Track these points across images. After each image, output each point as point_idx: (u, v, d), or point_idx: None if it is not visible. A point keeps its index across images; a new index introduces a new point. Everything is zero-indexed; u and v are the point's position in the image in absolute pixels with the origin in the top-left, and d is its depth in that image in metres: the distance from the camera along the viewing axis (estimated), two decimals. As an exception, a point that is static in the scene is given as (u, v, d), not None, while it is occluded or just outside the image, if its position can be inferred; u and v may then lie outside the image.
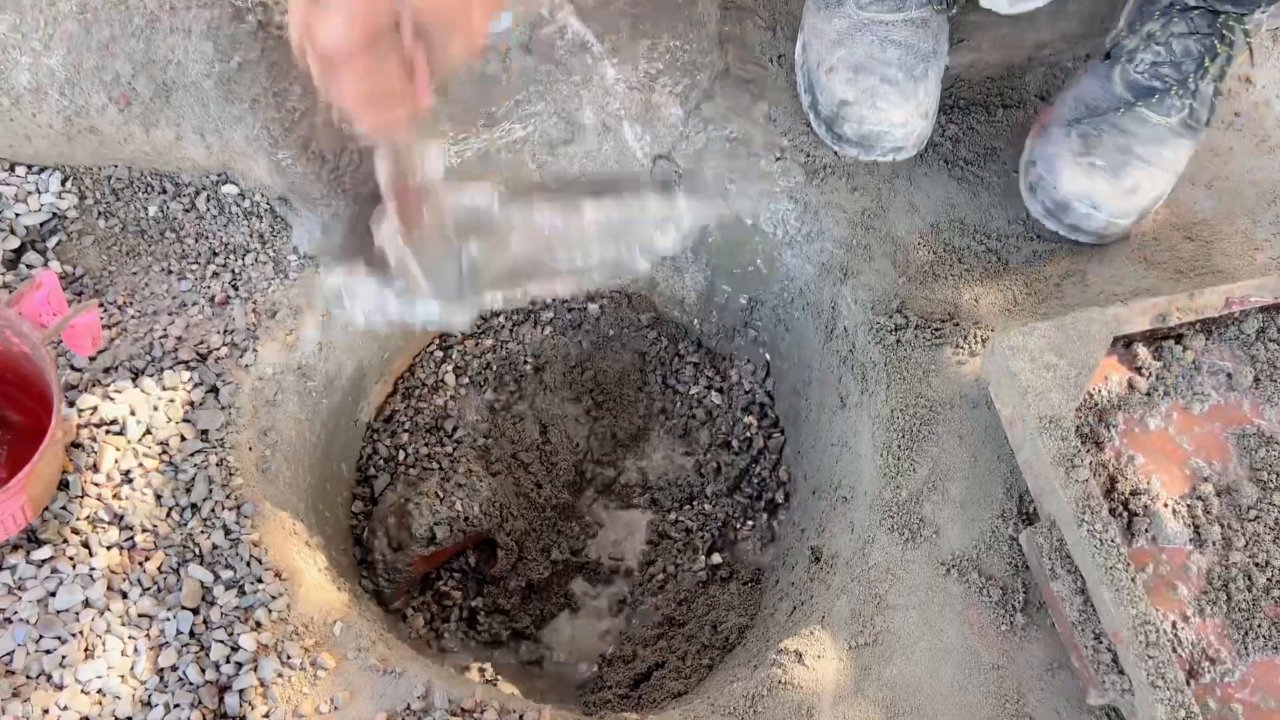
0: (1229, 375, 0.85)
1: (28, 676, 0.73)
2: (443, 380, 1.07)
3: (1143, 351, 0.85)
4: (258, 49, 0.86)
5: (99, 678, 0.74)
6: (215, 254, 0.92)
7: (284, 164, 0.89)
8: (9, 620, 0.75)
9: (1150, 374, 0.84)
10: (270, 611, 0.77)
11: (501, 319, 1.11)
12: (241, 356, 0.87)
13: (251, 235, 0.92)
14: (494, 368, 1.09)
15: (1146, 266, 0.98)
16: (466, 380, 1.08)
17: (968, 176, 1.02)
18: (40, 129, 0.88)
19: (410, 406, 1.06)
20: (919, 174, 1.01)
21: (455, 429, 1.05)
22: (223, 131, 0.88)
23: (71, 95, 0.86)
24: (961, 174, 1.02)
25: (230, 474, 0.82)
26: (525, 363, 1.09)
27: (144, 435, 0.83)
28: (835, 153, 1.00)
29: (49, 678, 0.73)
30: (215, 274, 0.91)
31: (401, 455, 1.03)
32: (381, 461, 1.03)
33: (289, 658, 0.76)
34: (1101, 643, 0.75)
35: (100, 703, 0.73)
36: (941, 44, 0.97)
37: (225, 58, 0.85)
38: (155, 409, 0.84)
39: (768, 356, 1.11)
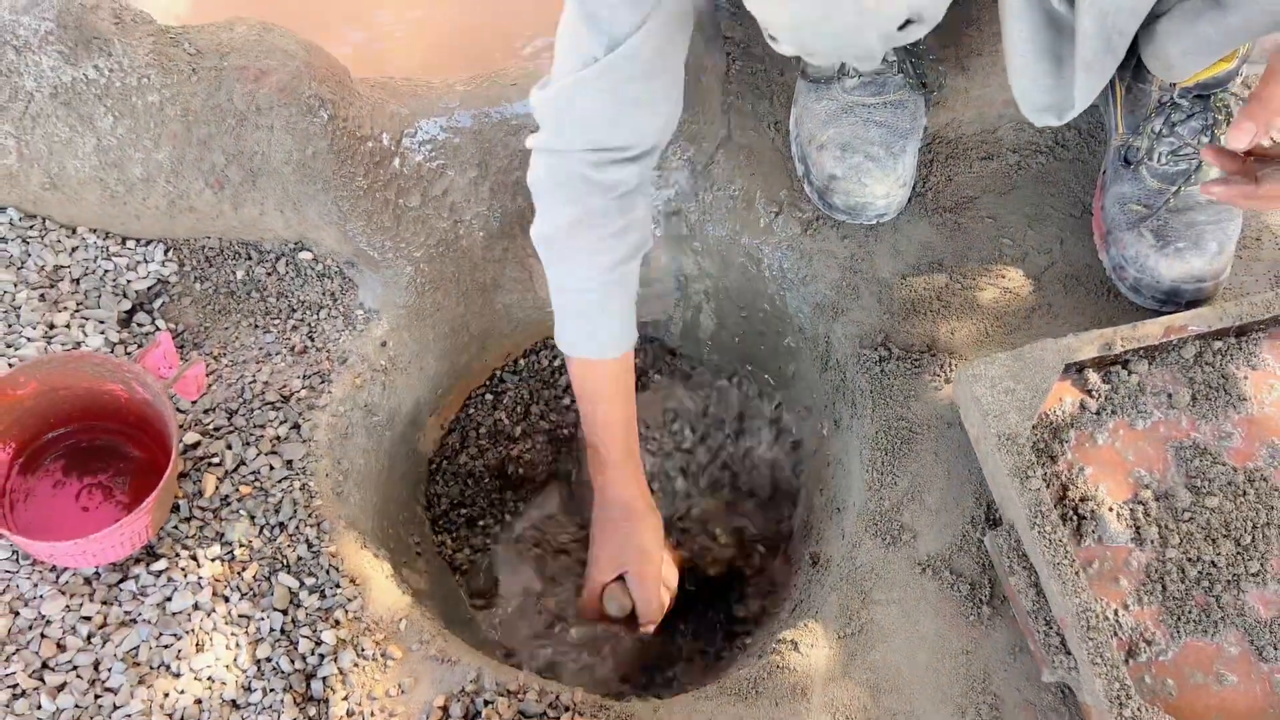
0: (1169, 395, 0.96)
1: (150, 667, 0.89)
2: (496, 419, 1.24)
3: (1093, 376, 0.97)
4: (327, 140, 1.02)
5: (208, 667, 0.89)
6: (294, 310, 1.08)
7: (350, 233, 1.05)
8: (134, 621, 0.90)
9: (1099, 395, 0.96)
10: (347, 612, 0.92)
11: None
12: (318, 397, 1.03)
13: (324, 294, 1.08)
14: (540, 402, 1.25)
15: (1109, 298, 1.10)
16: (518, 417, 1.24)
17: (946, 223, 1.14)
18: (148, 210, 1.05)
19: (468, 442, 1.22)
20: (902, 221, 1.14)
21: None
22: (299, 207, 1.04)
23: (175, 182, 1.03)
24: (941, 220, 1.15)
25: (311, 497, 0.98)
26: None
27: (238, 466, 0.99)
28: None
29: (167, 667, 0.89)
30: (294, 327, 1.07)
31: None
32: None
33: (363, 650, 0.91)
34: (1051, 628, 0.87)
35: (210, 688, 0.88)
36: (918, 119, 1.11)
37: (301, 148, 1.01)
38: (247, 444, 1.00)
39: (773, 385, 1.24)
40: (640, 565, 1.04)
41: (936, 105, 1.17)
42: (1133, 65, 1.04)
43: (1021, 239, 1.13)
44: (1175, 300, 1.04)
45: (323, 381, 1.03)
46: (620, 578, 1.04)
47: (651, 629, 1.05)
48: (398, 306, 1.07)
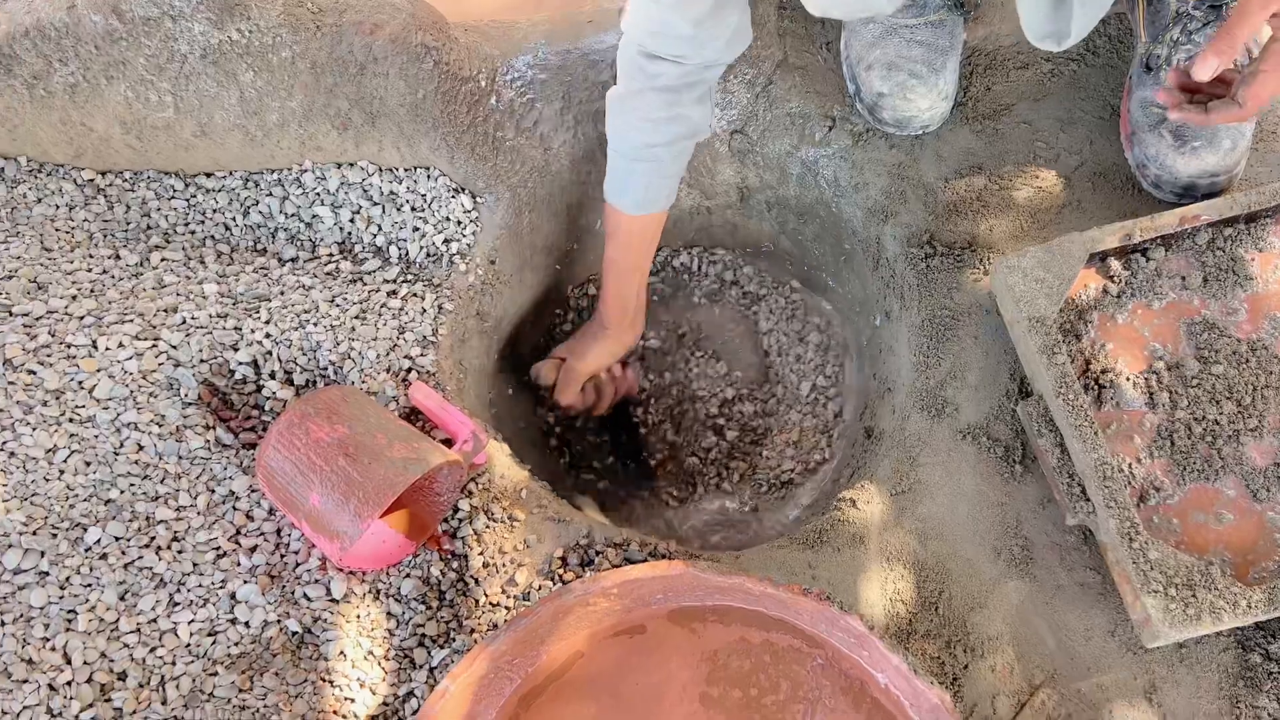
0: (1183, 278, 1.09)
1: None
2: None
3: (1115, 263, 1.10)
4: (435, 84, 1.17)
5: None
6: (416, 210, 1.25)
7: (457, 164, 1.21)
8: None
9: (1120, 280, 1.10)
10: (478, 484, 1.11)
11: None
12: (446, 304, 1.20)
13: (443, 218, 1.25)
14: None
15: (1133, 193, 1.21)
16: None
17: (985, 129, 1.26)
18: (281, 150, 1.22)
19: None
20: (945, 129, 1.27)
21: None
22: (413, 143, 1.20)
23: (306, 125, 1.19)
24: (980, 127, 1.27)
25: (441, 390, 1.16)
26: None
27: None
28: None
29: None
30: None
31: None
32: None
33: (493, 514, 1.10)
34: (1074, 480, 1.02)
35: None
36: (957, 37, 1.22)
37: (413, 91, 1.16)
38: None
39: (832, 283, 1.39)
40: (573, 359, 1.29)
41: (974, 21, 1.28)
42: (1153, -23, 1.14)
43: (1054, 141, 1.24)
44: (1192, 194, 1.15)
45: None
46: (560, 363, 1.30)
47: (564, 412, 1.35)
48: (500, 227, 1.23)
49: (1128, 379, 1.05)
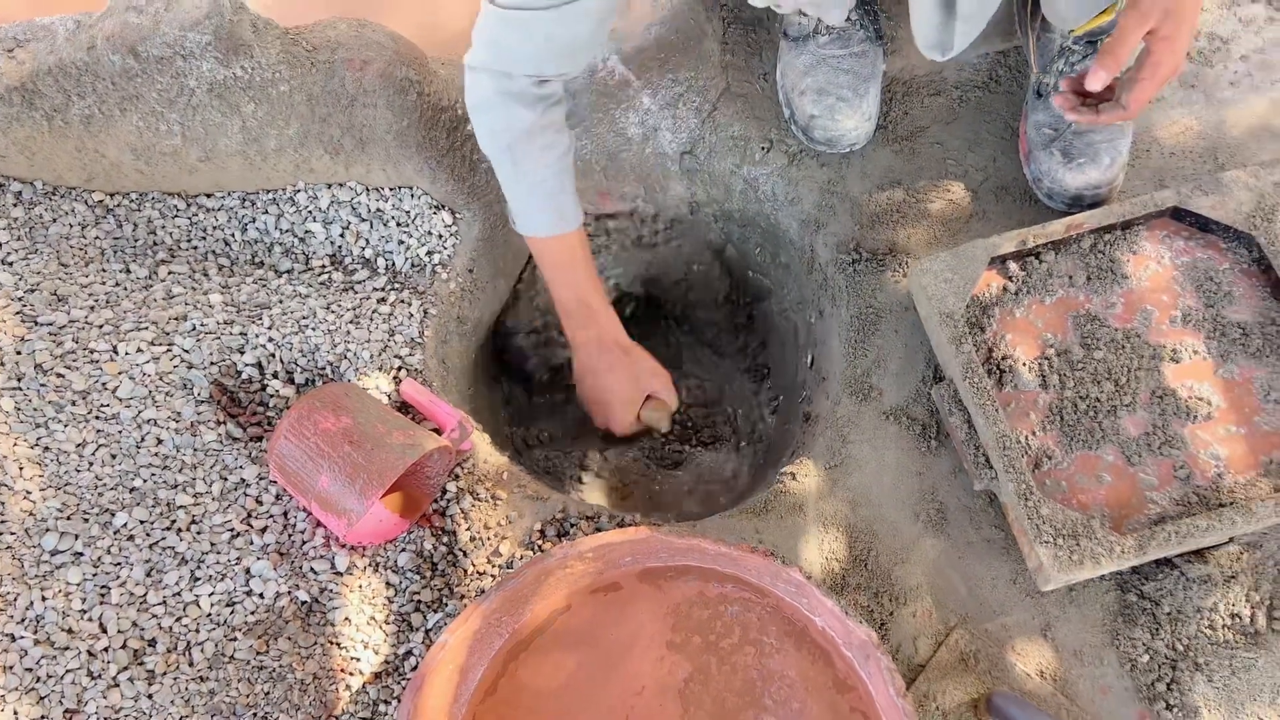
0: (1070, 277, 1.27)
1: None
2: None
3: (1013, 265, 1.28)
4: (418, 113, 1.31)
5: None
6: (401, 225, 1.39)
7: (438, 183, 1.35)
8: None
9: (1017, 280, 1.27)
10: (464, 468, 1.25)
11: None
12: (430, 308, 1.34)
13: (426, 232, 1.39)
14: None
15: (1031, 204, 1.39)
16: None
17: (903, 149, 1.44)
18: (278, 173, 1.35)
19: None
20: (869, 150, 1.44)
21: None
22: (398, 166, 1.34)
23: (301, 151, 1.32)
24: (899, 147, 1.44)
25: (428, 385, 1.30)
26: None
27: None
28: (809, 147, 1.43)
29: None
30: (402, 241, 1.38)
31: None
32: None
33: (478, 494, 1.24)
34: (979, 452, 1.19)
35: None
36: (878, 66, 1.39)
37: (399, 120, 1.31)
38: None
39: (771, 286, 1.55)
40: (660, 382, 1.38)
41: (892, 53, 1.46)
42: (1040, 18, 1.33)
43: (963, 159, 1.42)
44: (1079, 204, 1.34)
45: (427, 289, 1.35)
46: (649, 398, 1.39)
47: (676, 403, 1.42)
48: (477, 239, 1.38)
49: (1024, 364, 1.22)
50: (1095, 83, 1.08)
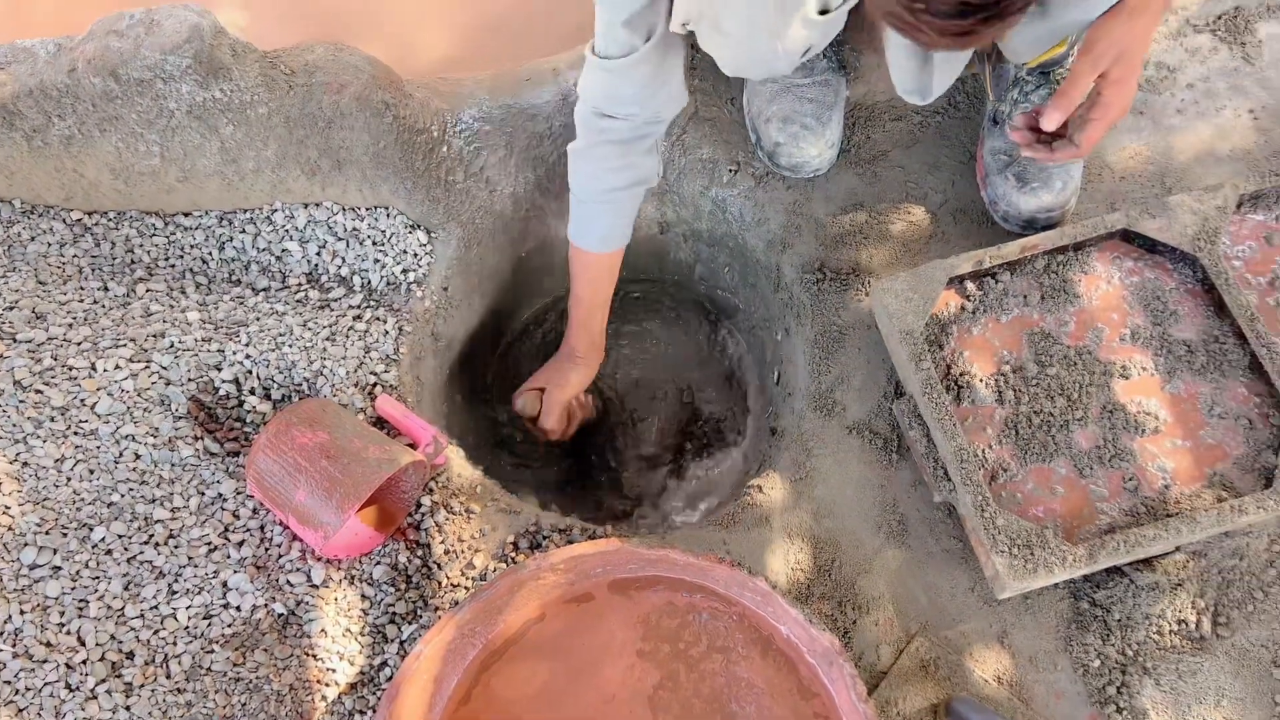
0: (1025, 296, 1.32)
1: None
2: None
3: (970, 285, 1.33)
4: (394, 135, 1.35)
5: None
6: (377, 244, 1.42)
7: (414, 204, 1.38)
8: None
9: (974, 299, 1.32)
10: (438, 482, 1.28)
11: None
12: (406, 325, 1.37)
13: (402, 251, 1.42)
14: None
15: (987, 226, 1.45)
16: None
17: (865, 173, 1.49)
18: (255, 192, 1.38)
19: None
20: (833, 173, 1.48)
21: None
22: (375, 186, 1.37)
23: (278, 172, 1.35)
24: (861, 171, 1.49)
25: (403, 401, 1.32)
26: None
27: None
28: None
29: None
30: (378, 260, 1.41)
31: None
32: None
33: (452, 508, 1.27)
34: (938, 465, 1.23)
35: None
36: (841, 95, 1.44)
37: (375, 142, 1.34)
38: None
39: (740, 304, 1.60)
40: (554, 389, 1.45)
41: (855, 81, 1.51)
42: (995, 50, 1.38)
43: (923, 182, 1.47)
44: (1034, 226, 1.39)
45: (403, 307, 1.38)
46: (543, 393, 1.46)
47: (545, 436, 1.49)
48: (451, 258, 1.41)
49: (981, 380, 1.27)
50: (1050, 123, 1.13)
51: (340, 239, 1.41)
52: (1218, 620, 1.18)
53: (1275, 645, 1.17)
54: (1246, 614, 1.18)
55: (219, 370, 1.28)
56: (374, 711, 1.13)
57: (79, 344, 1.26)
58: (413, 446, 1.26)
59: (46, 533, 1.15)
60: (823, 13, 1.13)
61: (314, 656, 1.16)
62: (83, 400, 1.23)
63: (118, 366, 1.25)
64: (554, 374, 1.46)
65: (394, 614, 1.20)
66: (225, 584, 1.18)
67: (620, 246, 1.38)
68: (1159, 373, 1.26)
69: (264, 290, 1.39)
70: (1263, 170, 1.34)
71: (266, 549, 1.22)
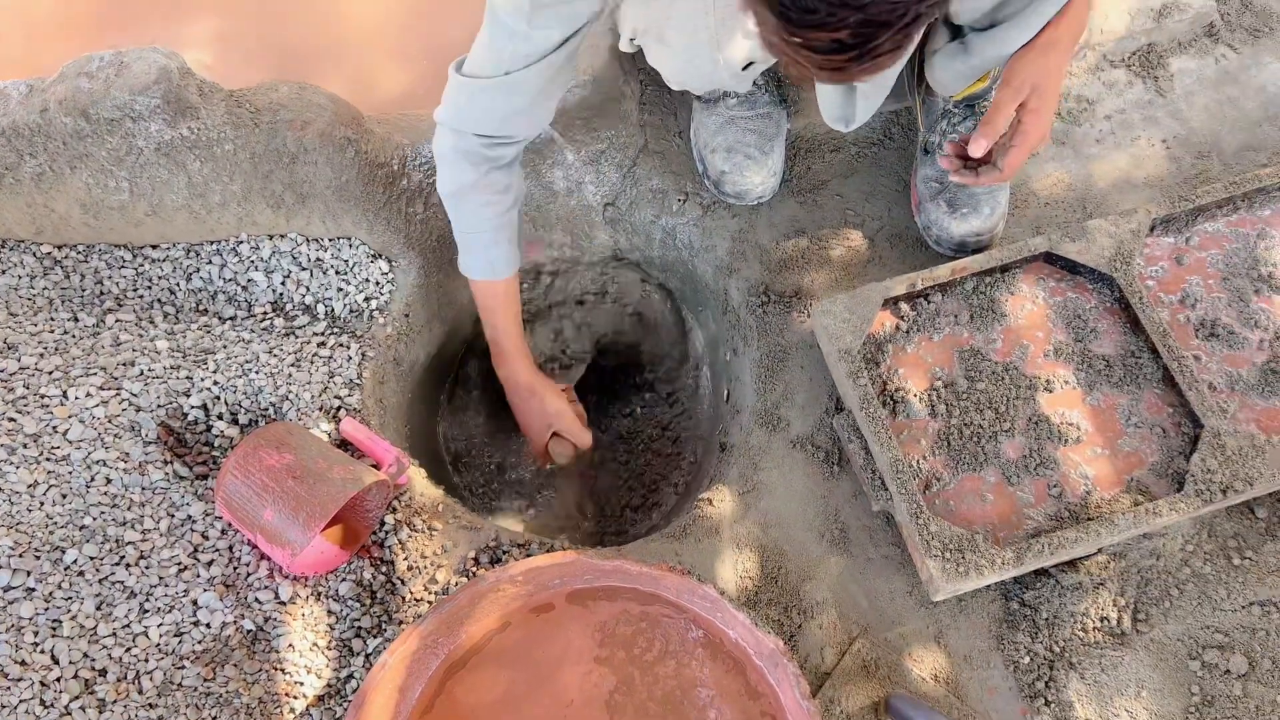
0: (955, 316, 1.40)
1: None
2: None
3: (904, 306, 1.41)
4: (356, 170, 1.41)
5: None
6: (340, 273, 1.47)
7: (375, 234, 1.44)
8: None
9: (908, 319, 1.40)
10: (401, 501, 1.33)
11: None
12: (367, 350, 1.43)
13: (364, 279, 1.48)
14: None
15: (921, 249, 1.53)
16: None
17: (807, 201, 1.57)
18: (221, 225, 1.43)
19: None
20: (776, 201, 1.56)
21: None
22: (338, 218, 1.43)
23: (244, 205, 1.41)
24: (803, 199, 1.57)
25: (367, 424, 1.38)
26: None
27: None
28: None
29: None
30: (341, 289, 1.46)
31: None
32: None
33: (415, 526, 1.32)
34: (876, 476, 1.31)
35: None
36: (782, 126, 1.53)
37: (338, 176, 1.40)
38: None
39: (694, 326, 1.67)
40: (561, 421, 1.50)
41: (796, 114, 1.59)
42: (925, 84, 1.47)
43: (861, 209, 1.56)
44: (964, 250, 1.48)
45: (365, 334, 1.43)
46: (555, 435, 1.51)
47: (589, 442, 1.54)
48: (412, 286, 1.47)
49: (915, 395, 1.35)
50: (976, 150, 1.22)
51: (304, 269, 1.47)
52: (1137, 617, 1.27)
53: (1190, 639, 1.25)
54: (1164, 610, 1.26)
55: (187, 397, 1.33)
56: (341, 721, 1.18)
57: (50, 373, 1.31)
58: (376, 467, 1.31)
59: (20, 555, 1.19)
60: None
61: (282, 670, 1.20)
62: (55, 427, 1.27)
63: (89, 394, 1.29)
64: (546, 414, 1.50)
65: (360, 628, 1.25)
66: (195, 602, 1.22)
67: (519, 264, 1.42)
68: (1080, 386, 1.34)
69: (231, 319, 1.44)
70: (1174, 196, 1.43)
71: (235, 568, 1.26)
